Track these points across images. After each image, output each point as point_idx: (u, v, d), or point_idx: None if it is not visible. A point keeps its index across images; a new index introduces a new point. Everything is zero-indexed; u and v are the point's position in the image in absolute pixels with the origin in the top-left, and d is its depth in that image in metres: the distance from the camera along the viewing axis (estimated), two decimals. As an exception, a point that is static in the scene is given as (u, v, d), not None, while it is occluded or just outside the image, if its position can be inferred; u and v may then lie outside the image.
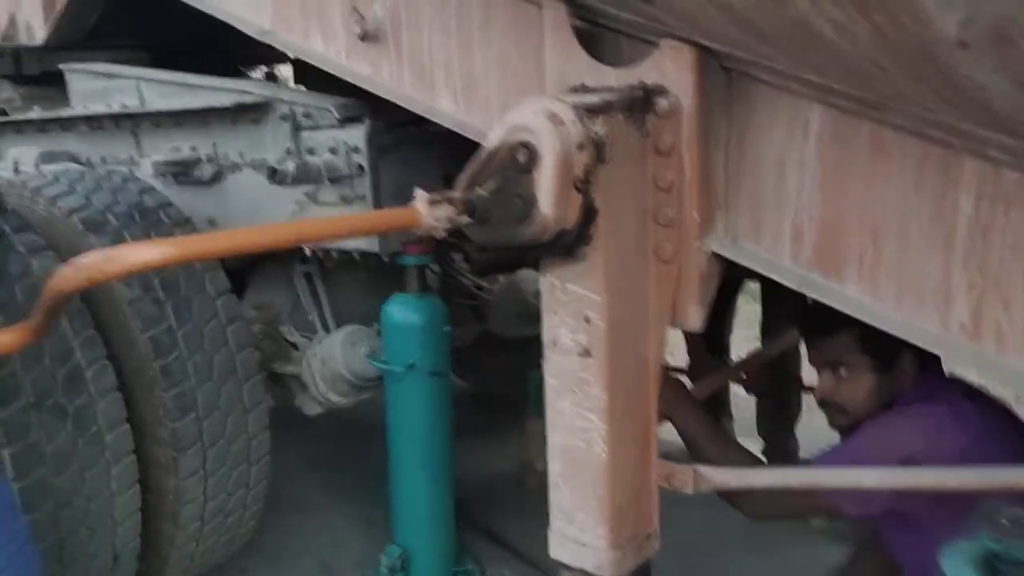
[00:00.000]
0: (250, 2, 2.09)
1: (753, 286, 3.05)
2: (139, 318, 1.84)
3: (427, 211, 1.24)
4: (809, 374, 3.13)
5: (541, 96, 1.34)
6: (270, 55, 3.59)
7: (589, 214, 1.30)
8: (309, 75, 3.04)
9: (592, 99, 1.30)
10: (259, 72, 3.66)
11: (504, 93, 1.68)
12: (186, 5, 2.38)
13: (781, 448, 3.08)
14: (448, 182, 2.26)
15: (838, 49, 1.04)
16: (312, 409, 2.48)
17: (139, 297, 1.87)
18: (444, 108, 1.77)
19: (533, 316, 3.20)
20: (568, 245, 1.32)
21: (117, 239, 1.92)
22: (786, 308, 2.82)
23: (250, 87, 2.30)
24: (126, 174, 2.25)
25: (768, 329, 2.97)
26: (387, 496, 2.45)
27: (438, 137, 2.12)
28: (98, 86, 2.67)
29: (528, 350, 3.25)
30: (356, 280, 2.54)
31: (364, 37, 1.84)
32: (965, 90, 0.92)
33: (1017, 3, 0.75)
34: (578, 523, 1.47)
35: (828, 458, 1.54)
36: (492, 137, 1.30)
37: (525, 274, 3.17)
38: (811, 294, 1.36)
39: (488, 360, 3.28)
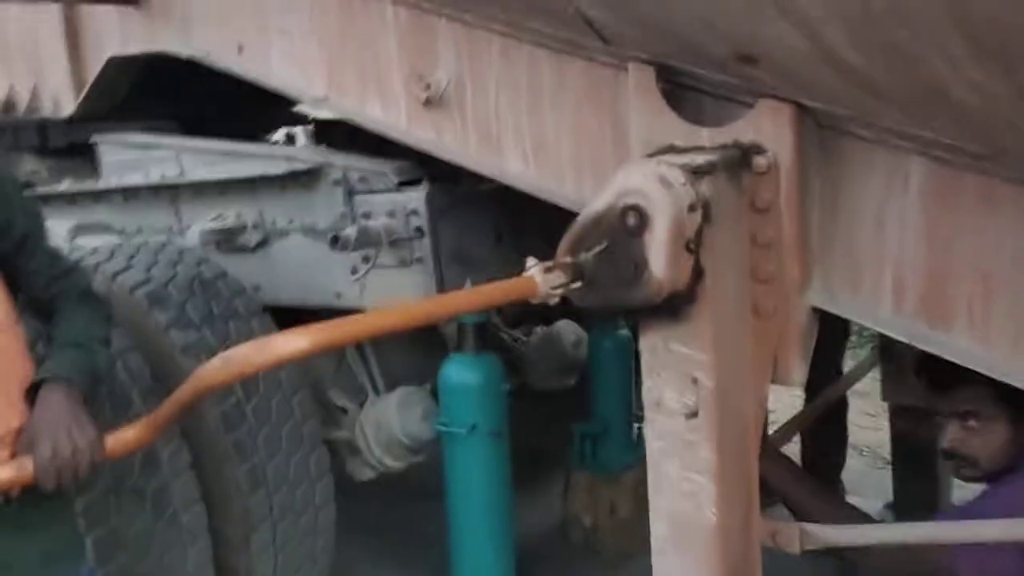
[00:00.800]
0: (303, 69, 2.10)
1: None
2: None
3: (543, 279, 1.24)
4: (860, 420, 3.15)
5: (645, 159, 1.34)
6: (289, 119, 3.62)
7: (697, 275, 1.29)
8: (334, 136, 3.05)
9: (697, 160, 1.30)
10: (280, 135, 3.67)
11: (577, 154, 1.69)
12: (217, 73, 2.39)
13: None
14: (500, 240, 2.27)
15: (970, 108, 1.05)
16: (364, 474, 2.45)
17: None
18: (514, 170, 1.77)
19: (571, 367, 3.20)
20: (675, 306, 1.31)
21: (180, 313, 1.90)
22: (827, 358, 2.82)
23: (300, 153, 2.30)
24: (181, 245, 2.23)
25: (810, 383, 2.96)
26: (435, 561, 2.41)
27: (488, 196, 2.13)
28: (131, 156, 2.66)
29: (566, 402, 3.25)
30: (403, 340, 2.52)
31: (428, 102, 1.85)
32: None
33: None
34: (687, 587, 1.45)
35: (949, 516, 1.53)
36: (597, 201, 1.30)
37: (562, 325, 3.17)
38: (918, 344, 1.36)
39: (526, 413, 3.25)
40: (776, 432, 2.21)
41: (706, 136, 1.42)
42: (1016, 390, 1.41)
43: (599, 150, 1.65)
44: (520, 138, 1.75)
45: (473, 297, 1.17)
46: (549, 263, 1.25)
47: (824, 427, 2.90)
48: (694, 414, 1.37)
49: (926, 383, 1.67)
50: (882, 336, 2.84)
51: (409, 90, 1.89)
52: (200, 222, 2.42)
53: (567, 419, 3.12)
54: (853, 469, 3.23)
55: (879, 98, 1.17)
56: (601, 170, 1.65)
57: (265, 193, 2.32)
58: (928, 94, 1.06)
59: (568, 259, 1.28)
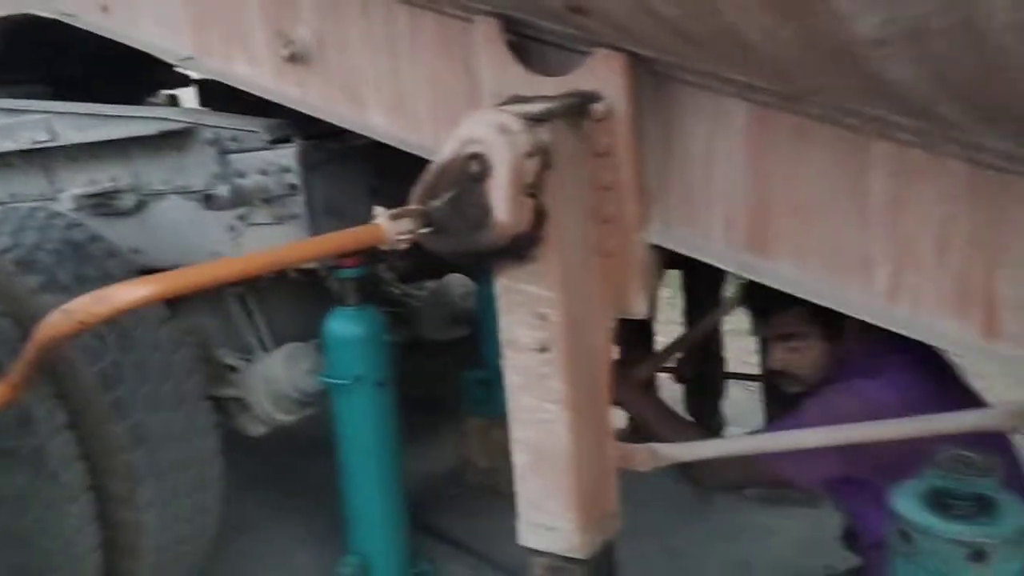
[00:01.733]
0: (167, 30, 2.09)
1: (673, 273, 3.19)
2: (84, 353, 1.82)
3: (390, 226, 1.30)
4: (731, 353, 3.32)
5: (488, 109, 1.41)
6: (170, 80, 3.56)
7: (540, 218, 1.38)
8: (215, 98, 3.02)
9: (535, 108, 1.38)
10: (160, 97, 3.60)
11: (434, 106, 1.74)
12: (86, 35, 2.36)
13: (710, 429, 3.23)
14: (374, 194, 2.31)
15: (766, 51, 1.15)
16: (256, 429, 2.49)
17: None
18: (377, 124, 1.82)
19: (460, 318, 3.29)
20: (521, 248, 1.40)
21: (51, 277, 1.89)
22: (707, 293, 2.97)
23: (171, 114, 2.29)
24: (50, 210, 2.21)
25: (691, 314, 3.11)
26: (330, 510, 2.48)
27: (361, 151, 2.17)
28: (1, 123, 2.60)
29: (457, 352, 3.33)
30: (289, 297, 2.56)
31: (292, 59, 1.88)
32: (881, 83, 1.04)
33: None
34: (547, 510, 1.55)
35: (774, 428, 1.67)
36: (444, 150, 1.36)
37: (451, 279, 3.25)
38: (746, 274, 1.48)
39: (421, 364, 3.33)
40: (647, 362, 2.35)
41: (550, 85, 1.49)
42: (827, 310, 1.55)
43: (454, 102, 1.71)
44: (381, 92, 1.80)
45: (321, 244, 1.23)
46: (397, 210, 1.31)
47: (702, 358, 3.06)
48: (545, 348, 1.47)
49: (752, 311, 1.82)
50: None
51: (273, 48, 1.91)
52: (73, 187, 2.40)
53: (461, 368, 3.20)
54: (735, 400, 3.40)
55: (694, 45, 1.26)
56: (457, 121, 1.72)
57: (139, 156, 2.31)
58: (731, 40, 1.15)
59: (416, 207, 1.35)
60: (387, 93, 1.79)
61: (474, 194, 1.34)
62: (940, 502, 1.07)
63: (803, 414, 1.66)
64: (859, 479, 1.64)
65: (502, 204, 1.32)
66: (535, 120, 1.35)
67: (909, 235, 1.33)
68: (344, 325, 2.24)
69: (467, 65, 1.66)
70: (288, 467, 3.32)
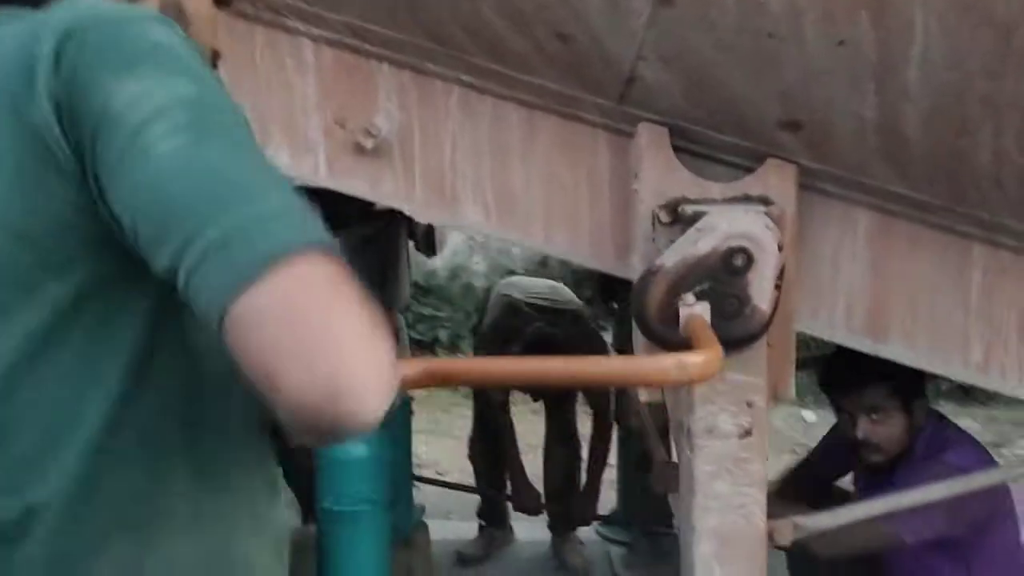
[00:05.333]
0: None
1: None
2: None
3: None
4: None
5: (741, 207, 1.50)
6: None
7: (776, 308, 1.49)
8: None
9: (758, 208, 1.51)
10: None
11: (547, 205, 1.74)
12: None
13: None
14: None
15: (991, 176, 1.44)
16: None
17: None
18: (473, 219, 1.75)
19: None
20: (759, 336, 1.49)
21: None
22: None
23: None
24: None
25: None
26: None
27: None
28: None
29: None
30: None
31: (361, 150, 1.73)
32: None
33: None
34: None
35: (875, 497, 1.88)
36: (701, 245, 1.42)
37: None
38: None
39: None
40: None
41: (717, 191, 1.61)
42: (907, 385, 1.87)
43: (574, 202, 1.73)
44: (480, 188, 1.74)
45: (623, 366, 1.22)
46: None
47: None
48: (748, 433, 1.55)
49: (836, 387, 2.08)
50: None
51: (332, 136, 1.74)
52: None
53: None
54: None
55: (897, 170, 1.51)
56: (573, 222, 1.74)
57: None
58: (959, 167, 1.43)
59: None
60: (489, 190, 1.74)
61: (732, 286, 1.42)
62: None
63: (899, 476, 1.94)
64: (954, 538, 1.94)
65: (766, 295, 1.42)
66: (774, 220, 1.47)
67: (999, 318, 1.70)
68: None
69: (591, 167, 1.71)
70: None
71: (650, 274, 1.45)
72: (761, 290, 1.41)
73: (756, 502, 1.57)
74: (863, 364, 1.78)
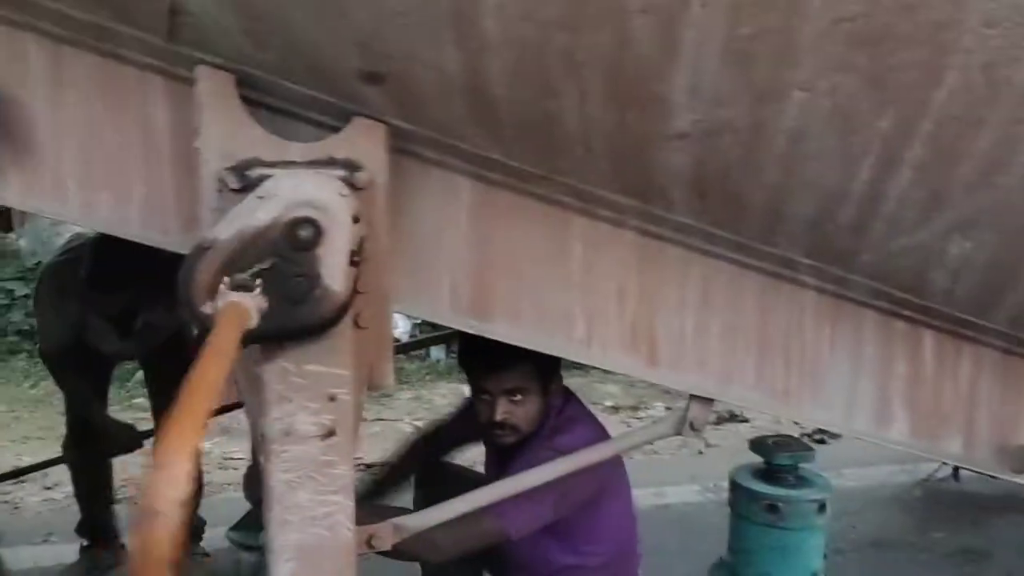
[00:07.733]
0: None
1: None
2: None
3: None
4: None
5: (309, 170, 1.27)
6: None
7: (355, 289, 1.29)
8: None
9: (339, 172, 1.30)
10: None
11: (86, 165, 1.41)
12: None
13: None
14: None
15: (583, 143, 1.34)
16: None
17: None
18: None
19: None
20: (334, 322, 1.28)
21: None
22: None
23: None
24: None
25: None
26: None
27: None
28: None
29: None
30: None
31: None
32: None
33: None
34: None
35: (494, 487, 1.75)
36: (260, 215, 1.18)
37: None
38: (475, 332, 1.60)
39: None
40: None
41: (297, 151, 1.38)
42: (546, 367, 1.79)
43: (119, 162, 1.42)
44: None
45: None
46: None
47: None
48: (331, 433, 1.35)
49: (479, 367, 1.93)
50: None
51: None
52: None
53: None
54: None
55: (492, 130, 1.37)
56: (122, 187, 1.42)
57: None
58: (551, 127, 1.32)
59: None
60: None
61: (298, 264, 1.20)
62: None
63: (516, 463, 1.83)
64: (562, 520, 1.87)
65: (338, 273, 1.21)
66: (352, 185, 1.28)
67: (600, 292, 1.65)
68: None
69: (145, 119, 1.41)
70: None
71: (200, 250, 1.17)
72: (333, 268, 1.20)
73: (343, 510, 1.37)
74: (504, 344, 1.65)
